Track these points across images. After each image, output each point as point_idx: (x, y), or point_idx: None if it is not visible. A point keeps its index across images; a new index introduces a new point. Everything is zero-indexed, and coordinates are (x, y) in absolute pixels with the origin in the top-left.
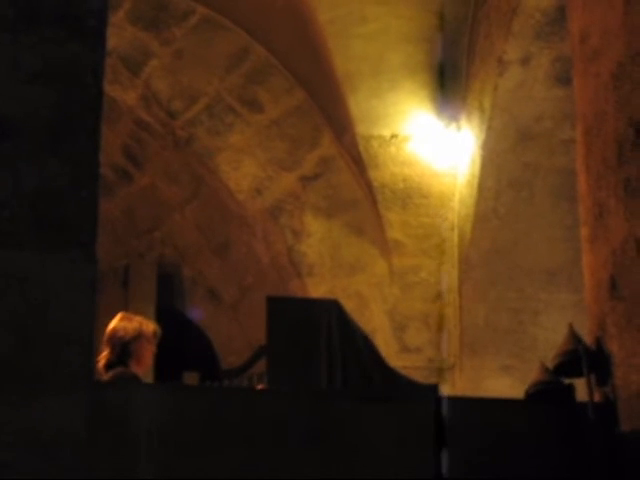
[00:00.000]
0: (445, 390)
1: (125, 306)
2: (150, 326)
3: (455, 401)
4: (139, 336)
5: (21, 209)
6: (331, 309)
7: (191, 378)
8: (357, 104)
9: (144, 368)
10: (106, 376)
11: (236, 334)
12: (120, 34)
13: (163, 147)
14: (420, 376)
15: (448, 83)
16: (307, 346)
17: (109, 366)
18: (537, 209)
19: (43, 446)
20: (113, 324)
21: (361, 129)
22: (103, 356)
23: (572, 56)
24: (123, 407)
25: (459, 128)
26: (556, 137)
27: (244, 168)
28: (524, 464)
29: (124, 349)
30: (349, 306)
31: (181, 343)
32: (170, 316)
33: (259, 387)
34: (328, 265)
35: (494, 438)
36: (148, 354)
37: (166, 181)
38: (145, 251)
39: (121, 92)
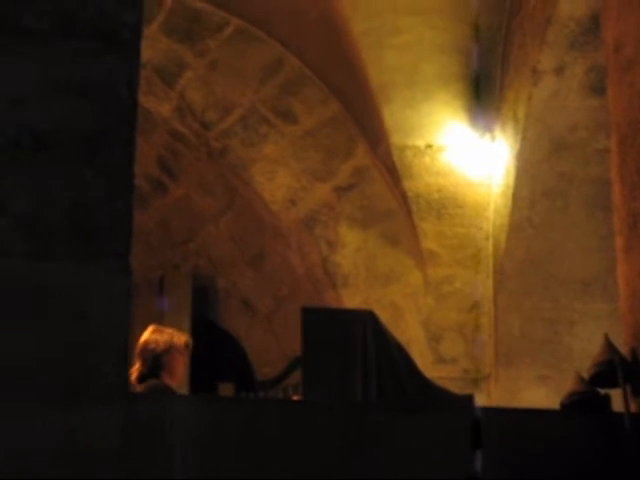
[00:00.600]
0: (481, 400)
1: (160, 317)
2: (182, 338)
3: (490, 411)
4: (171, 348)
5: (56, 221)
6: (366, 320)
7: (226, 389)
8: (391, 114)
9: (177, 380)
10: (139, 389)
11: (271, 345)
12: (154, 46)
13: (197, 158)
14: (455, 387)
15: (482, 93)
16: (342, 357)
17: (141, 379)
18: (572, 219)
19: (78, 458)
20: (144, 337)
21: (395, 139)
22: (135, 369)
23: (606, 65)
24: (158, 419)
25: (493, 138)
26: (590, 147)
27: (278, 179)
28: (560, 474)
29: (156, 362)
30: (384, 317)
31: (216, 354)
32: (205, 327)
33: (294, 398)
34: (363, 276)
35: (530, 448)
36: (180, 366)
37: (200, 192)
38: (180, 262)
39: (156, 103)
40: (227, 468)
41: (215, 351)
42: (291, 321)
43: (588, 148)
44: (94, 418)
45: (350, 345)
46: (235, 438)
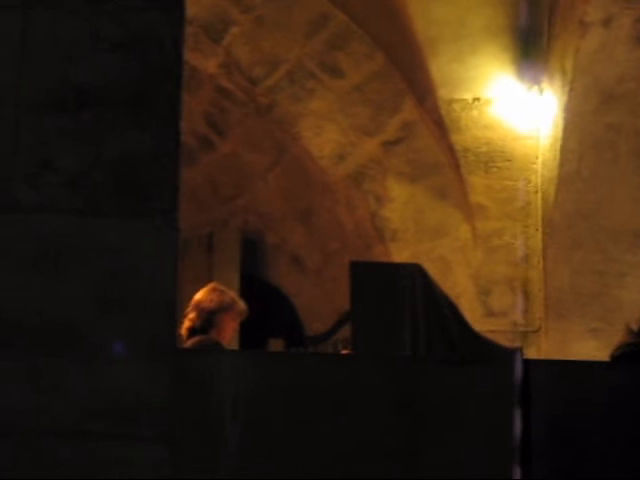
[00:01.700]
0: (531, 354)
1: (210, 273)
2: (239, 304)
3: (540, 363)
4: (225, 309)
5: (102, 178)
6: (415, 273)
7: (276, 345)
8: (438, 68)
9: (224, 341)
10: (188, 342)
11: (320, 300)
12: (200, 3)
13: (245, 114)
14: (505, 340)
15: (529, 46)
16: (391, 311)
17: (192, 332)
18: (621, 170)
19: (127, 413)
20: (202, 293)
21: (443, 93)
22: (188, 319)
23: None
24: (208, 374)
25: (541, 91)
26: (639, 98)
27: (326, 134)
28: (609, 426)
29: (209, 318)
30: (432, 271)
31: (265, 310)
32: (254, 283)
33: (344, 353)
34: (411, 230)
35: (579, 400)
36: (229, 329)
37: (248, 148)
38: (228, 218)
39: (202, 60)
40: (276, 423)
41: (265, 307)
42: (340, 276)
43: (636, 99)
44: (143, 374)
45: (399, 299)
46: (284, 393)
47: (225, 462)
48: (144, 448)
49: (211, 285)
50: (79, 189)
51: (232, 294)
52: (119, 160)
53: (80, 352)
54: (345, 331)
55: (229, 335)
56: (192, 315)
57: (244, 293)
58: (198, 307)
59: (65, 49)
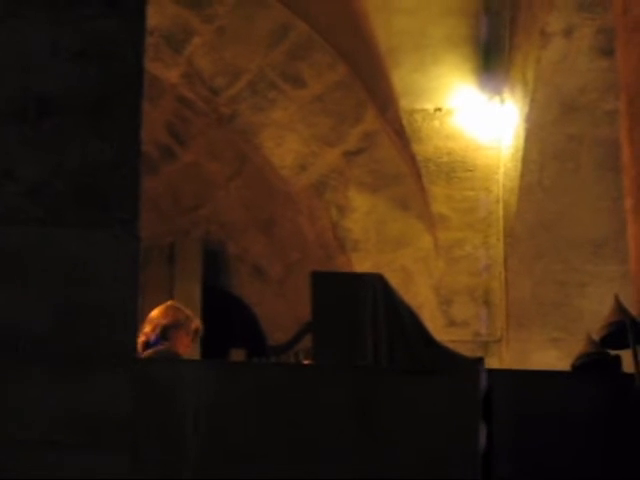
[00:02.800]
0: (492, 364)
1: (171, 283)
2: (195, 321)
3: (501, 373)
4: (180, 325)
5: (62, 187)
6: (376, 283)
7: (238, 355)
8: (400, 78)
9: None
10: (144, 354)
11: (282, 310)
12: (162, 12)
13: (206, 124)
14: (467, 350)
15: (491, 56)
16: (352, 321)
17: (147, 346)
18: (582, 181)
19: (89, 423)
20: (158, 310)
21: (404, 103)
22: (143, 334)
23: (615, 27)
24: (169, 384)
25: (502, 101)
26: (600, 108)
27: (288, 144)
28: (570, 435)
29: (164, 333)
30: (395, 281)
31: (227, 320)
32: (216, 293)
33: (305, 363)
34: (373, 240)
35: (540, 410)
36: (184, 345)
37: (210, 158)
38: (190, 228)
39: (164, 70)
40: (237, 432)
41: (226, 317)
42: (302, 286)
43: (597, 110)
44: (104, 383)
45: (360, 309)
46: (245, 403)
47: (186, 471)
48: (106, 457)
49: (168, 303)
50: (39, 199)
51: (188, 312)
52: (79, 170)
53: (41, 361)
54: (307, 341)
55: (182, 351)
56: (147, 329)
57: (206, 303)
58: (153, 322)
59: (25, 58)
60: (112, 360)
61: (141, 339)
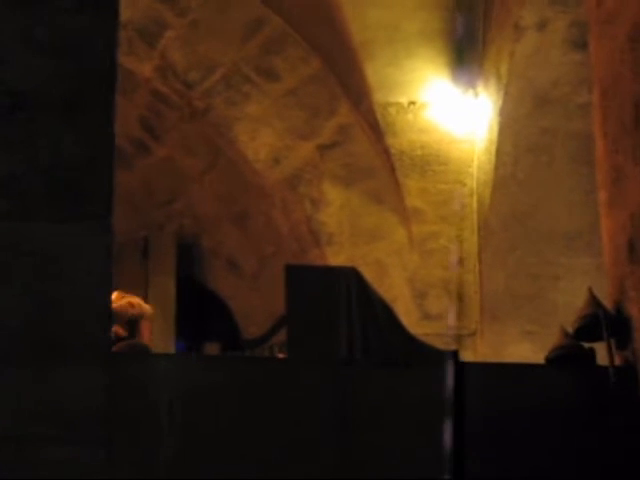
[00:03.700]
0: (467, 356)
1: (145, 277)
2: (147, 305)
3: (475, 366)
4: (142, 314)
5: (36, 182)
6: (350, 277)
7: (212, 348)
8: (374, 72)
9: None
10: (114, 348)
11: (257, 304)
12: (135, 6)
13: (180, 118)
14: (441, 343)
15: (465, 50)
16: (326, 314)
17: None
18: (556, 174)
19: (63, 417)
20: (116, 303)
21: (378, 97)
22: (112, 333)
23: (588, 20)
24: (144, 378)
25: (476, 94)
26: (573, 102)
27: (262, 138)
28: (544, 427)
29: (131, 325)
30: (369, 274)
31: (201, 314)
32: (191, 287)
33: (280, 356)
34: (347, 233)
35: (514, 402)
36: (148, 332)
37: (184, 152)
38: (164, 222)
39: (137, 64)
40: (212, 425)
41: (200, 311)
42: (276, 280)
43: (571, 103)
44: (78, 377)
45: (334, 303)
46: (220, 396)
47: (161, 464)
48: (81, 451)
49: (118, 293)
50: (12, 193)
51: (137, 298)
52: (52, 164)
53: (14, 355)
54: (281, 335)
55: (148, 337)
56: (115, 327)
57: (180, 297)
58: (118, 315)
59: None
60: (86, 354)
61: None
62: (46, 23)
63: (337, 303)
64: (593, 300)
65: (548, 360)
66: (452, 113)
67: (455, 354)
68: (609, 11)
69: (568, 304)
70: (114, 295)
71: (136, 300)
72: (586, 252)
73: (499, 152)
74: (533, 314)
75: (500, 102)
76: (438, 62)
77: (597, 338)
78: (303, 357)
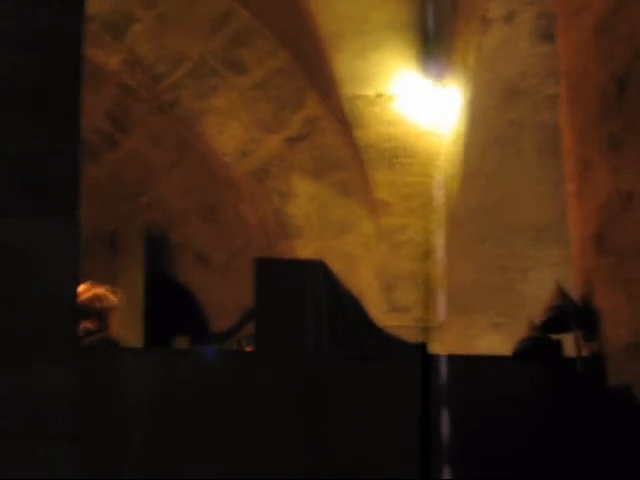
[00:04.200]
0: (435, 349)
1: (113, 271)
2: (116, 295)
3: (442, 358)
4: (111, 305)
5: (2, 176)
6: (318, 270)
7: (181, 342)
8: (342, 64)
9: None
10: (84, 342)
11: (225, 297)
12: None
13: (148, 111)
14: (409, 335)
15: (432, 42)
16: (295, 307)
17: (86, 335)
18: (524, 166)
19: (31, 414)
20: (84, 296)
21: (346, 89)
22: (82, 327)
23: (555, 12)
24: (112, 373)
25: (444, 86)
26: (541, 93)
27: (229, 131)
28: (512, 419)
29: (101, 318)
30: (337, 267)
31: (170, 307)
32: (159, 280)
33: (248, 350)
34: (315, 226)
35: (482, 394)
36: (116, 323)
37: (152, 145)
38: (132, 216)
39: (104, 57)
40: (180, 420)
41: (169, 304)
42: (245, 273)
43: (539, 95)
44: (46, 375)
45: (302, 296)
46: (189, 390)
47: (130, 459)
48: (49, 447)
49: (87, 285)
50: None
51: (104, 287)
52: (18, 159)
53: None
54: (250, 328)
55: (116, 328)
56: (85, 323)
57: (149, 291)
58: (88, 308)
59: None
60: (53, 350)
61: (79, 328)
62: (12, 16)
63: (305, 296)
64: (561, 292)
65: (515, 352)
66: (420, 105)
67: (423, 346)
68: (576, 3)
69: (537, 296)
70: (82, 287)
71: (103, 292)
72: (554, 244)
73: (467, 144)
74: (501, 306)
75: (468, 94)
76: (406, 54)
77: (565, 330)
78: (271, 350)
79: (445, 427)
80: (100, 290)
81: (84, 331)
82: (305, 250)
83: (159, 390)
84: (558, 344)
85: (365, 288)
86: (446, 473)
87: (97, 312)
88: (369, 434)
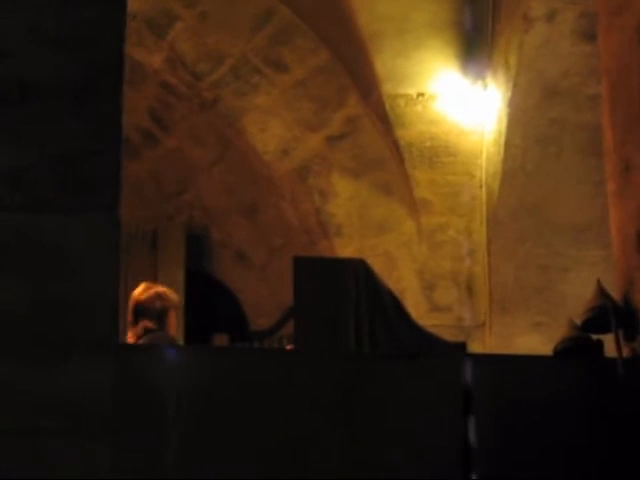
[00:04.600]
0: (475, 348)
1: (154, 269)
2: (175, 294)
3: (483, 358)
4: (170, 305)
5: (44, 173)
6: (358, 268)
7: (221, 340)
8: (383, 63)
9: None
10: (142, 340)
11: (266, 296)
12: None
13: (189, 109)
14: (450, 335)
15: (474, 41)
16: (334, 306)
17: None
18: (565, 165)
19: (70, 410)
20: (143, 294)
21: (387, 88)
22: (140, 326)
23: (597, 11)
24: (151, 370)
25: (485, 86)
26: (582, 93)
27: (271, 129)
28: (552, 420)
29: (160, 318)
30: (377, 266)
31: (210, 305)
32: (199, 278)
33: (289, 348)
34: (356, 225)
35: (522, 394)
36: (175, 322)
37: (193, 143)
38: (173, 214)
39: (147, 55)
40: (219, 418)
41: (209, 302)
42: (285, 272)
43: (580, 94)
44: (86, 373)
45: (342, 294)
46: (228, 388)
47: (169, 458)
48: (87, 445)
49: (145, 285)
50: (20, 185)
51: (164, 287)
52: (60, 156)
53: (22, 349)
54: (290, 327)
55: (175, 328)
56: (144, 318)
57: (189, 289)
58: (147, 309)
59: (5, 43)
60: (93, 347)
61: (139, 332)
62: (55, 15)
63: (345, 295)
64: (601, 292)
65: (556, 352)
66: (461, 104)
67: (463, 346)
68: (618, 2)
69: (577, 296)
70: (141, 287)
71: (163, 290)
72: (595, 244)
73: (508, 143)
74: (542, 306)
75: (509, 93)
76: (447, 53)
77: (605, 330)
78: (311, 349)
79: (484, 427)
80: (161, 289)
81: (143, 330)
82: (346, 249)
83: (199, 388)
84: (599, 344)
85: (406, 287)
86: (484, 472)
87: (157, 311)
88: (408, 433)
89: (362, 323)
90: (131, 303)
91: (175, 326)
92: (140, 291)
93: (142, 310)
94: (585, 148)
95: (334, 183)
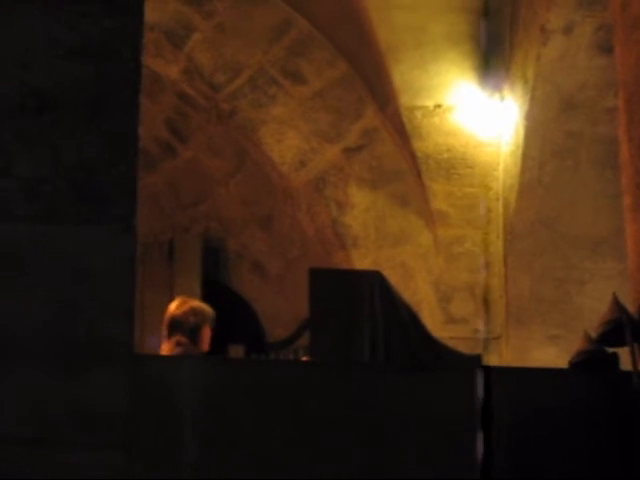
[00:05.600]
0: (492, 361)
1: (170, 279)
2: (210, 309)
3: (500, 370)
4: (206, 320)
5: (60, 183)
6: (374, 280)
7: (237, 351)
8: (400, 75)
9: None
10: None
11: (282, 307)
12: (163, 9)
13: (206, 120)
14: (466, 347)
15: (491, 53)
16: (350, 318)
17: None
18: (582, 178)
19: (86, 420)
20: (179, 309)
21: (404, 100)
22: (174, 341)
23: (613, 24)
24: (167, 380)
25: (502, 98)
26: (599, 105)
27: (287, 140)
28: (567, 433)
29: (194, 333)
30: (394, 277)
31: (226, 316)
32: (215, 289)
33: (305, 359)
34: (373, 237)
35: (538, 407)
36: (209, 336)
37: (210, 154)
38: (190, 225)
39: (164, 66)
40: (236, 429)
41: (225, 313)
42: (302, 283)
43: (597, 107)
44: (100, 381)
45: (358, 306)
46: (244, 399)
47: (185, 469)
48: (102, 455)
49: (180, 299)
50: (36, 195)
51: (198, 302)
52: (77, 166)
53: (37, 358)
54: (307, 338)
55: (208, 342)
56: (178, 333)
57: (205, 299)
58: (182, 323)
59: (22, 55)
60: (109, 357)
61: (173, 345)
62: (72, 27)
63: (361, 306)
64: (617, 305)
65: (572, 365)
66: (478, 116)
67: (479, 358)
68: (635, 16)
69: (593, 309)
70: (177, 302)
71: (198, 305)
72: (611, 257)
73: (525, 156)
74: (558, 318)
75: (526, 106)
76: (464, 65)
77: (621, 343)
78: (326, 361)
79: (499, 440)
80: (196, 304)
81: (176, 344)
82: (362, 261)
83: (215, 399)
84: (615, 357)
85: (422, 299)
86: None
87: (191, 326)
88: (422, 446)
89: (377, 335)
90: (166, 317)
91: (208, 341)
92: (176, 306)
93: (176, 325)
94: (602, 161)
95: (351, 194)
